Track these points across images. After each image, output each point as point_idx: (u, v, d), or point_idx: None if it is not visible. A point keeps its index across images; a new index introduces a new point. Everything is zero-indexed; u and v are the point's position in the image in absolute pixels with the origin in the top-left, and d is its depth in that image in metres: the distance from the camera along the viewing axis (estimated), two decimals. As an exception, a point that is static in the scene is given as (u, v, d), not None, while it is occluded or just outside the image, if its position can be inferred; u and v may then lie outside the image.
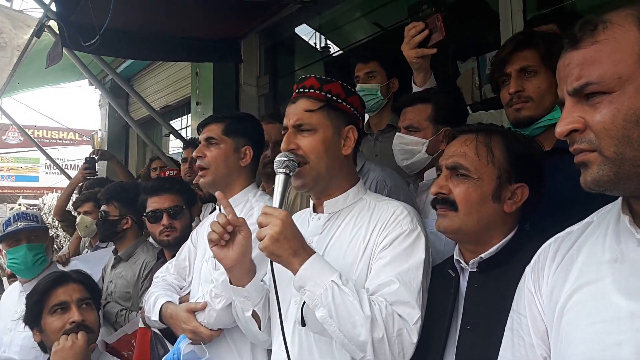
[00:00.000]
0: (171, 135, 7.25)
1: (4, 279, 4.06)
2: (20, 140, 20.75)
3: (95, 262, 3.74)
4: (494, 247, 1.56)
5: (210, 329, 2.10)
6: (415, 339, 1.55)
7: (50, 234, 3.66)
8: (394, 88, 3.08)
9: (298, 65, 6.12)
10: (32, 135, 9.68)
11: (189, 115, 7.14)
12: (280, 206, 1.65)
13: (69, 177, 7.98)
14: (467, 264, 1.59)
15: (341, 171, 1.83)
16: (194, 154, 2.42)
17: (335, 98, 1.78)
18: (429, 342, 1.59)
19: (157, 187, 3.12)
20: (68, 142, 22.14)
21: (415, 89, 2.44)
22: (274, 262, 1.63)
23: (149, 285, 2.70)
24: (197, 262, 2.47)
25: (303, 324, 1.66)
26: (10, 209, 15.61)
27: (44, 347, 2.49)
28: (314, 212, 1.90)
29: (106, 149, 8.48)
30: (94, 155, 5.64)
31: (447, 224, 1.59)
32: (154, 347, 2.45)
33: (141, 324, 2.56)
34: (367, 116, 3.10)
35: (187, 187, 3.29)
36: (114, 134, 9.66)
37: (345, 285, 1.54)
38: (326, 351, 1.68)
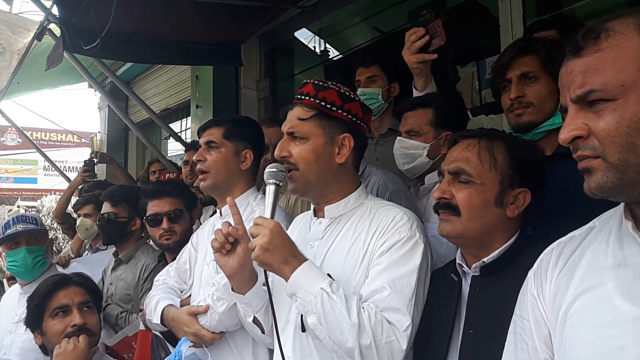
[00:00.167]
0: (170, 138, 7.26)
1: (4, 281, 4.04)
2: (18, 142, 20.70)
3: (95, 265, 3.74)
4: (496, 252, 1.56)
5: (213, 332, 2.10)
6: (404, 346, 1.56)
7: (50, 236, 3.65)
8: (394, 92, 3.09)
9: (298, 69, 6.13)
10: (30, 137, 9.66)
11: (189, 118, 7.14)
12: (272, 216, 1.69)
13: (67, 179, 7.97)
14: (470, 268, 1.60)
15: (336, 179, 1.83)
16: (194, 157, 2.42)
17: (329, 106, 1.77)
18: (432, 346, 1.60)
19: (157, 190, 3.13)
20: (67, 144, 22.08)
21: (416, 93, 2.45)
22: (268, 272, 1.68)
23: (150, 287, 2.71)
24: (197, 266, 2.47)
25: (303, 329, 1.67)
26: (9, 211, 15.61)
27: (45, 349, 2.49)
28: (315, 216, 1.91)
29: (105, 151, 8.48)
30: (94, 158, 5.65)
31: (450, 228, 1.59)
32: (155, 350, 2.45)
33: (142, 327, 2.57)
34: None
35: (187, 191, 3.30)
36: (114, 137, 9.65)
37: (334, 293, 1.56)
38: (326, 356, 1.68)
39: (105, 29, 3.91)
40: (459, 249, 1.68)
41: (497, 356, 1.30)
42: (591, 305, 1.04)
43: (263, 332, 1.91)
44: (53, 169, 10.63)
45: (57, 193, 17.05)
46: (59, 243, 9.62)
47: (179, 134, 6.99)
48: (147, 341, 2.50)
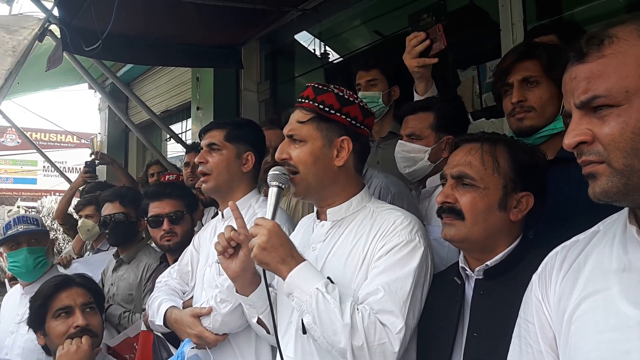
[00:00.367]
0: (170, 139, 7.26)
1: (6, 282, 4.05)
2: (18, 142, 20.69)
3: (96, 265, 3.75)
4: (500, 255, 1.57)
5: (216, 334, 2.11)
6: (397, 348, 1.57)
7: (50, 237, 3.66)
8: (395, 95, 3.10)
9: (298, 71, 6.14)
10: (30, 138, 9.65)
11: (189, 119, 7.15)
12: (273, 218, 1.72)
13: (68, 179, 7.98)
14: (473, 272, 1.61)
15: (336, 181, 1.84)
16: (196, 159, 2.43)
17: (327, 109, 1.78)
18: (435, 349, 1.61)
19: (159, 192, 3.14)
20: (66, 145, 22.06)
21: (416, 97, 2.46)
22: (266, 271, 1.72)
23: (152, 287, 2.72)
24: (199, 267, 2.48)
25: (304, 331, 1.68)
26: (9, 212, 15.58)
27: (48, 350, 2.50)
28: (318, 219, 1.93)
29: (106, 152, 8.48)
30: (96, 159, 5.66)
31: (454, 233, 1.60)
32: (157, 351, 2.46)
33: (143, 327, 2.57)
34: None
35: (188, 192, 3.31)
36: (114, 138, 9.65)
37: (329, 293, 1.58)
38: (328, 358, 1.69)
39: (106, 30, 3.93)
40: (462, 252, 1.68)
41: (501, 359, 1.31)
42: (596, 309, 1.05)
43: (268, 332, 1.93)
44: (52, 170, 10.64)
45: (57, 194, 17.06)
46: (59, 244, 9.63)
47: (180, 136, 7.00)
48: (149, 342, 2.51)
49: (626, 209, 1.09)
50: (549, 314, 1.17)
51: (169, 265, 2.84)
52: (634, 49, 0.97)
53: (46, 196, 17.41)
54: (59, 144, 22.41)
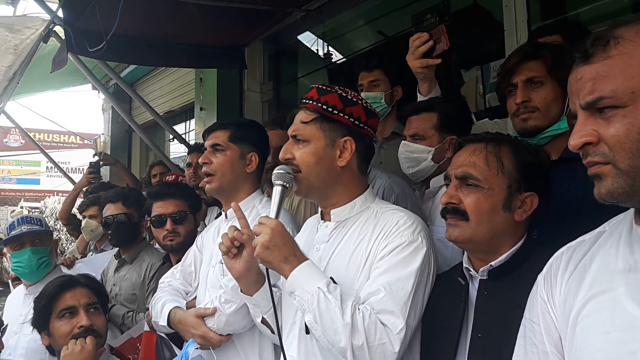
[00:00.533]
0: (174, 140, 7.27)
1: (9, 282, 4.06)
2: (21, 143, 20.76)
3: (100, 265, 3.75)
4: (504, 255, 1.57)
5: (220, 334, 2.11)
6: (397, 348, 1.57)
7: (54, 237, 3.67)
8: (397, 96, 3.10)
9: (301, 72, 6.15)
10: (33, 138, 9.68)
11: (193, 120, 7.15)
12: (277, 217, 1.73)
13: (71, 180, 8.00)
14: (477, 272, 1.61)
15: (339, 182, 1.84)
16: (200, 160, 2.43)
17: (330, 109, 1.79)
18: (439, 349, 1.61)
19: (162, 192, 3.14)
20: (70, 145, 22.10)
21: (420, 98, 2.46)
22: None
23: (155, 286, 2.72)
24: (203, 268, 2.47)
25: (307, 331, 1.69)
26: (12, 212, 15.63)
27: (52, 350, 2.51)
28: (322, 219, 1.93)
29: (109, 153, 8.50)
30: (100, 160, 5.67)
31: (458, 233, 1.60)
32: (160, 351, 2.46)
33: (146, 328, 2.58)
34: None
35: (191, 193, 3.31)
36: (117, 138, 9.68)
37: (330, 293, 1.59)
38: (330, 358, 1.69)
39: (110, 31, 3.93)
40: (466, 253, 1.68)
41: None
42: (602, 309, 1.05)
43: (273, 332, 1.93)
44: (56, 170, 10.67)
45: (60, 194, 17.11)
46: (62, 244, 9.65)
47: (183, 136, 7.01)
48: (152, 342, 2.51)
49: (632, 210, 1.09)
50: (555, 314, 1.17)
51: (172, 266, 2.85)
52: None
53: (49, 196, 17.48)
54: (62, 145, 22.46)
